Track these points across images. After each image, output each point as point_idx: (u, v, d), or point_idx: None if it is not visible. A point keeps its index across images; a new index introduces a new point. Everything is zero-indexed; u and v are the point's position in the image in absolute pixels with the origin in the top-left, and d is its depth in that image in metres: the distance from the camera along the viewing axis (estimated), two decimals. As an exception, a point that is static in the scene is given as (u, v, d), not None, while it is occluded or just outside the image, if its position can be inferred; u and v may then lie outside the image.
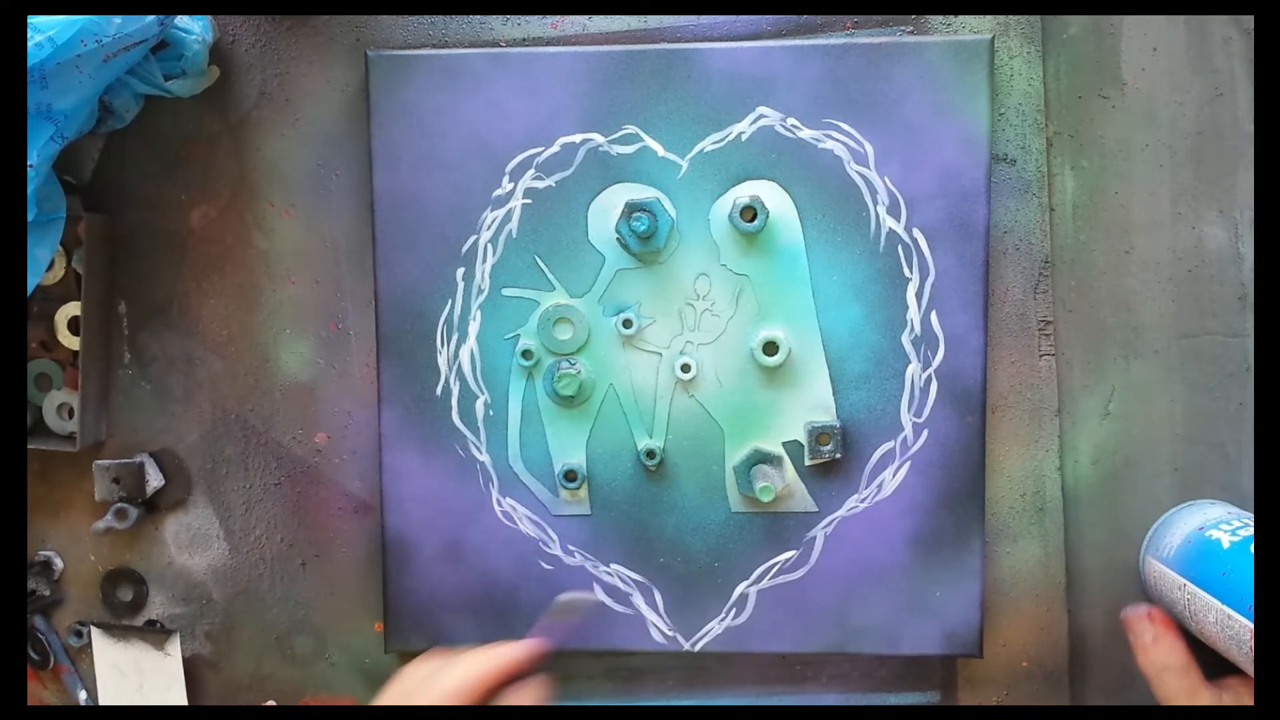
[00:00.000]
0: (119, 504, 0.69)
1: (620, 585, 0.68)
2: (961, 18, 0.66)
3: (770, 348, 0.65)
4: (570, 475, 0.66)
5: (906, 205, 0.64)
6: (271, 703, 0.72)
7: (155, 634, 0.71)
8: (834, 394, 0.66)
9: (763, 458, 0.66)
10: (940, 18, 0.66)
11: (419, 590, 0.68)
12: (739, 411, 0.66)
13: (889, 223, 0.64)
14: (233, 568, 0.71)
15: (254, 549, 0.71)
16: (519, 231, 0.66)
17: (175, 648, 0.71)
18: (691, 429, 0.66)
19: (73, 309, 0.68)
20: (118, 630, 0.71)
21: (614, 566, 0.67)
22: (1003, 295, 0.67)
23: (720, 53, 0.64)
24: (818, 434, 0.65)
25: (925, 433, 0.66)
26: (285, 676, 0.72)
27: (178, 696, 0.71)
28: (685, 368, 0.66)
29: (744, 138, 0.64)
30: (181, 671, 0.71)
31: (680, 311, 0.66)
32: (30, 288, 0.60)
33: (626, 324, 0.65)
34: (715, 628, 0.68)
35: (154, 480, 0.70)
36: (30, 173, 0.55)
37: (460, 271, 0.66)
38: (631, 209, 0.64)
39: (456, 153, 0.65)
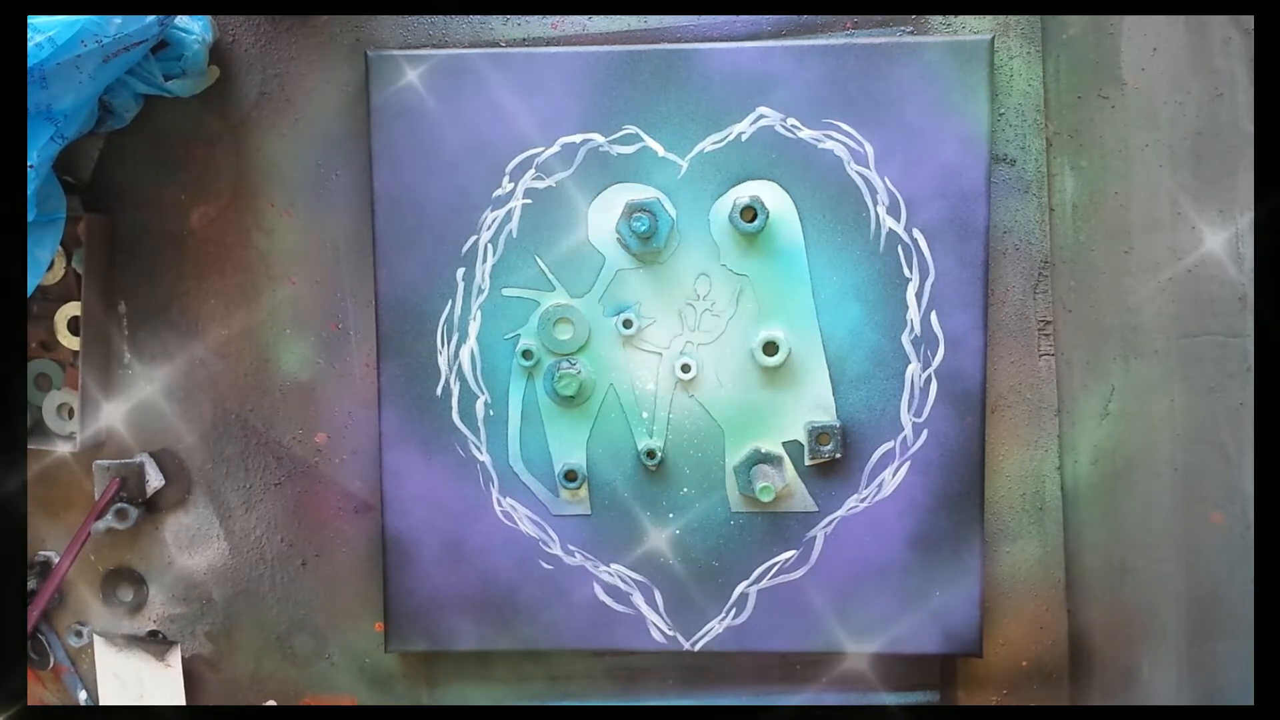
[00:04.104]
0: (119, 504, 0.69)
1: (620, 585, 0.68)
2: (961, 18, 0.66)
3: (770, 348, 0.65)
4: (570, 475, 0.66)
5: (906, 205, 0.64)
6: (271, 703, 0.72)
7: (156, 644, 0.71)
8: (834, 394, 0.66)
9: (763, 458, 0.66)
10: (940, 18, 0.66)
11: (419, 590, 0.68)
12: (739, 411, 0.66)
13: (889, 223, 0.64)
14: (233, 568, 0.71)
15: (254, 549, 0.71)
16: (519, 231, 0.66)
17: (176, 659, 0.71)
18: (691, 429, 0.66)
19: (73, 309, 0.68)
20: (119, 640, 0.71)
21: (614, 566, 0.67)
22: (1003, 295, 0.67)
23: (720, 53, 0.64)
24: (818, 434, 0.65)
25: (925, 433, 0.66)
26: (285, 676, 0.72)
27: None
28: (685, 368, 0.66)
29: (744, 138, 0.64)
30: (182, 683, 0.71)
31: (680, 311, 0.66)
32: (30, 288, 0.60)
33: (626, 324, 0.65)
34: (715, 627, 0.68)
35: (154, 480, 0.70)
36: (30, 173, 0.55)
37: (460, 271, 0.66)
38: (631, 209, 0.64)
39: (456, 153, 0.65)
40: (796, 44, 0.64)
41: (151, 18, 0.56)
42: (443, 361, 0.67)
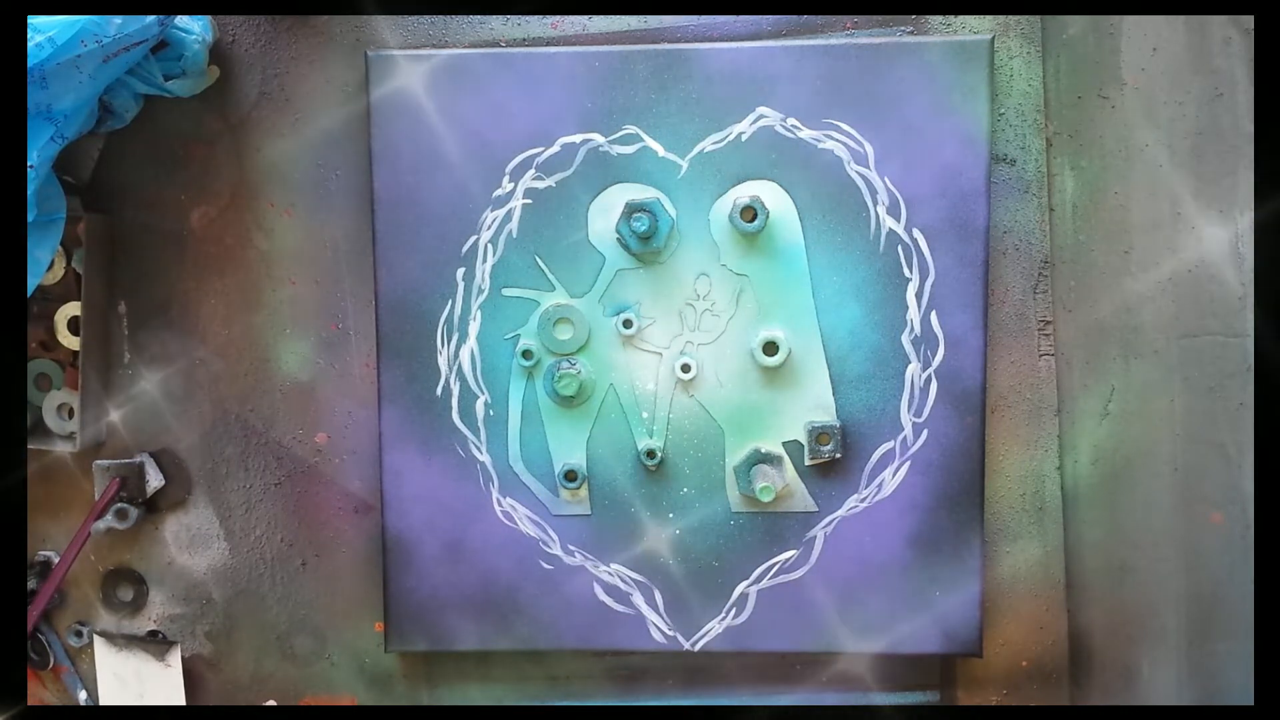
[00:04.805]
0: (119, 504, 0.69)
1: (620, 585, 0.68)
2: (961, 18, 0.66)
3: (770, 348, 0.65)
4: (570, 475, 0.66)
5: (906, 205, 0.64)
6: (271, 703, 0.72)
7: (157, 644, 0.71)
8: (834, 394, 0.66)
9: (763, 458, 0.66)
10: (940, 18, 0.66)
11: (419, 590, 0.68)
12: (739, 411, 0.66)
13: (889, 223, 0.64)
14: (233, 568, 0.71)
15: (254, 549, 0.71)
16: (519, 231, 0.66)
17: (176, 659, 0.71)
18: (691, 429, 0.66)
19: (73, 309, 0.68)
20: (120, 640, 0.71)
21: (614, 566, 0.67)
22: (1003, 295, 0.67)
23: (720, 53, 0.64)
24: (818, 434, 0.65)
25: (925, 433, 0.66)
26: (285, 676, 0.72)
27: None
28: (685, 368, 0.66)
29: (744, 138, 0.64)
30: (182, 682, 0.71)
31: (680, 311, 0.66)
32: (30, 288, 0.60)
33: (626, 324, 0.65)
34: (715, 627, 0.68)
35: (154, 480, 0.70)
36: (30, 173, 0.55)
37: (460, 271, 0.66)
38: (631, 209, 0.64)
39: (456, 153, 0.65)
40: (796, 44, 0.64)
41: (151, 18, 0.56)
42: (443, 361, 0.67)
